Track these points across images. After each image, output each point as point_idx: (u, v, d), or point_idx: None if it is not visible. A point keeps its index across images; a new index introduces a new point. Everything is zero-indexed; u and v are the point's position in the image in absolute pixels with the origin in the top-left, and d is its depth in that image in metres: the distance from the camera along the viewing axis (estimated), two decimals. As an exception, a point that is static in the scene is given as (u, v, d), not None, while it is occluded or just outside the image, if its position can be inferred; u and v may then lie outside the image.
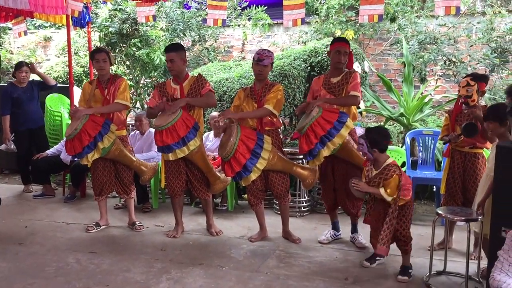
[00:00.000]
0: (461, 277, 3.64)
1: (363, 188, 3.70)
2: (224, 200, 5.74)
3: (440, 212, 3.59)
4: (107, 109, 4.64)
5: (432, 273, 3.69)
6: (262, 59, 4.34)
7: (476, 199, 3.66)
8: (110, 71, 4.95)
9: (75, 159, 4.72)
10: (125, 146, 4.77)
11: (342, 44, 4.28)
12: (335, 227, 4.57)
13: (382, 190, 3.58)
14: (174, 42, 8.02)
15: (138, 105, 8.28)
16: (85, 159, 4.55)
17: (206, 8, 8.00)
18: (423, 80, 7.17)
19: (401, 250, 3.76)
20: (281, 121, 4.69)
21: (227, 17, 7.06)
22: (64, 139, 6.24)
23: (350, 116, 4.19)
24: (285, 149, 4.85)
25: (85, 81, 9.02)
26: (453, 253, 4.11)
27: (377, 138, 3.63)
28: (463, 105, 3.94)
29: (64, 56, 9.82)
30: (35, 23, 11.03)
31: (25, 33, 6.94)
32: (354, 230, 4.48)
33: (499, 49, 6.73)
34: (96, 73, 4.93)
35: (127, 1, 7.46)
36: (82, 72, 9.18)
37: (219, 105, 6.28)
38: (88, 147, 4.45)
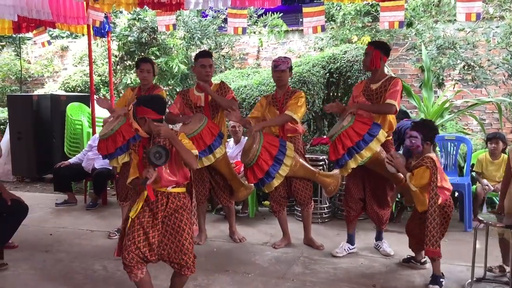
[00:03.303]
0: (500, 283, 3.66)
1: (397, 164, 3.68)
2: (245, 207, 5.76)
3: (481, 218, 3.52)
4: None
5: (473, 280, 3.65)
6: (278, 65, 4.38)
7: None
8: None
9: (107, 159, 4.71)
10: None
11: (367, 47, 4.22)
12: (350, 240, 4.43)
13: (409, 175, 3.59)
14: (192, 50, 8.11)
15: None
16: (115, 160, 4.54)
17: (223, 16, 8.11)
18: (440, 85, 7.16)
19: (429, 258, 3.73)
20: (302, 128, 4.67)
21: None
22: (86, 148, 6.38)
23: (386, 126, 4.07)
24: (306, 156, 4.84)
25: (102, 90, 9.16)
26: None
27: (432, 131, 3.67)
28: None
29: (82, 65, 9.95)
30: (52, 33, 11.17)
31: (49, 43, 7.05)
32: (379, 237, 4.44)
33: (518, 53, 6.70)
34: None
35: (146, 11, 7.54)
36: (100, 81, 9.27)
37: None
38: (120, 149, 4.44)
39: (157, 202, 3.03)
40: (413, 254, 4.03)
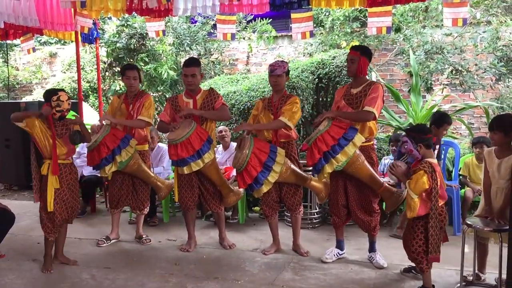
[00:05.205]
0: (489, 287, 3.68)
1: (397, 172, 3.58)
2: (235, 213, 5.74)
3: (469, 222, 3.51)
4: (129, 123, 4.69)
5: (462, 283, 3.66)
6: (274, 69, 4.34)
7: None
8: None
9: (94, 170, 4.89)
10: (145, 162, 4.79)
11: (350, 52, 4.15)
12: (340, 245, 4.40)
13: (408, 182, 3.45)
14: (181, 56, 8.10)
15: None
16: (103, 171, 4.62)
17: (212, 21, 8.12)
18: (429, 89, 7.20)
19: (417, 268, 3.66)
20: (296, 133, 4.63)
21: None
22: (74, 155, 6.32)
23: (366, 131, 4.02)
24: (301, 161, 4.79)
25: (91, 96, 9.12)
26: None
27: (420, 133, 3.51)
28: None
29: (70, 72, 9.90)
30: (40, 40, 11.12)
31: (34, 50, 7.00)
32: (372, 249, 4.31)
33: (505, 58, 6.76)
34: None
35: (135, 17, 7.53)
36: (89, 88, 9.23)
37: (228, 118, 6.30)
38: (105, 160, 4.49)
39: (62, 173, 4.16)
40: (413, 264, 3.81)
